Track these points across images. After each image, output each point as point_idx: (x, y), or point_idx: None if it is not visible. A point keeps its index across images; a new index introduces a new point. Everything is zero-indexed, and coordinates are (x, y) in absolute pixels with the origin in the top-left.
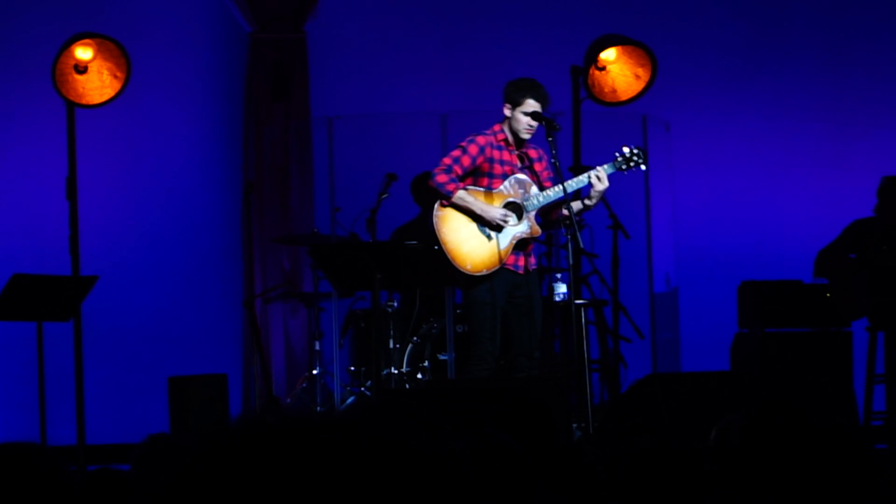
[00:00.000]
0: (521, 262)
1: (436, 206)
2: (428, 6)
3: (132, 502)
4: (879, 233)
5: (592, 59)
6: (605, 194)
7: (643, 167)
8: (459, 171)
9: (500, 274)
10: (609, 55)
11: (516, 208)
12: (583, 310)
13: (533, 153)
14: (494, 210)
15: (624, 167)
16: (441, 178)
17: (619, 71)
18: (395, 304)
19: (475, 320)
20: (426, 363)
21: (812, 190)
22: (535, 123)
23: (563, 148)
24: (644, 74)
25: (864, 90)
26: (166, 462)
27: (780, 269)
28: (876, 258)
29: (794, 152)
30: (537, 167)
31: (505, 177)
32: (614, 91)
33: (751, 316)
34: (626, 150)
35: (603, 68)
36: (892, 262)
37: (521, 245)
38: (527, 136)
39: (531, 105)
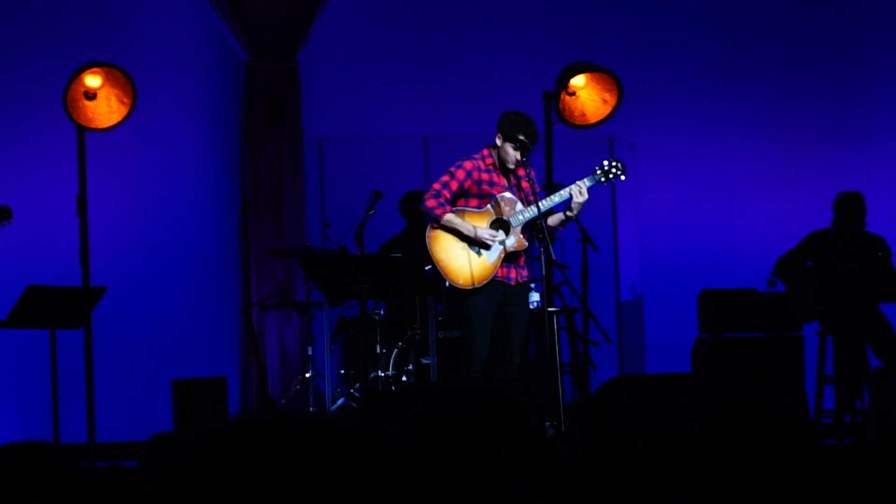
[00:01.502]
0: (513, 274)
1: (427, 228)
2: (411, 36)
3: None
4: (833, 243)
5: (563, 84)
6: (580, 211)
7: (622, 177)
8: (448, 195)
9: (492, 285)
10: (578, 81)
11: (503, 224)
12: (555, 317)
13: (521, 171)
14: (481, 230)
15: (603, 179)
16: (430, 202)
17: (587, 96)
18: (382, 311)
19: (467, 327)
20: (411, 367)
21: (766, 205)
22: (521, 158)
23: (537, 167)
24: (611, 99)
25: (815, 112)
26: (168, 458)
27: (738, 279)
28: (825, 267)
29: (750, 170)
30: (525, 185)
31: (492, 197)
32: (583, 114)
33: (710, 322)
34: (605, 163)
35: (573, 93)
36: (840, 271)
37: (510, 258)
38: (511, 167)
39: (521, 143)
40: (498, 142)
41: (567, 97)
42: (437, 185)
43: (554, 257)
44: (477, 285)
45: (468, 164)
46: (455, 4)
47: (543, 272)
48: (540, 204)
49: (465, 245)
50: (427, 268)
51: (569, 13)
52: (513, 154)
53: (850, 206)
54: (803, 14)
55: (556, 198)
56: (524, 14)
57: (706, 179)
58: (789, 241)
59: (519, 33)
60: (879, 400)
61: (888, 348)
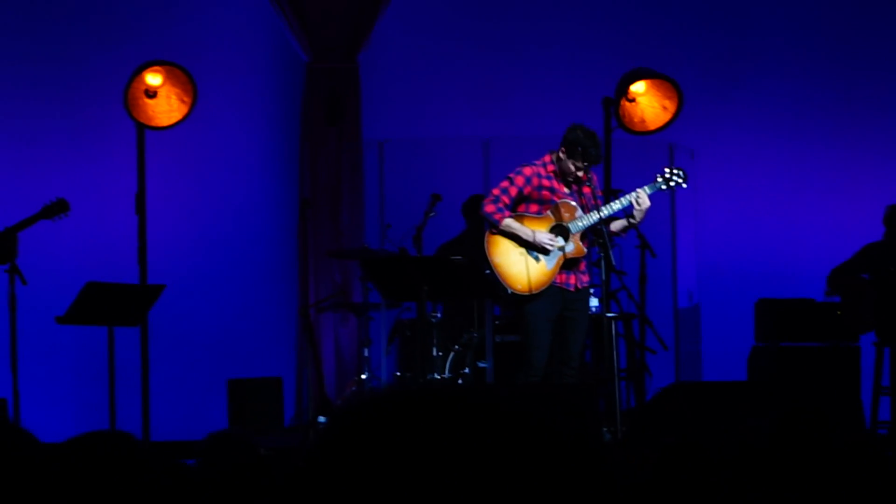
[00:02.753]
0: (573, 280)
1: (486, 233)
2: (472, 39)
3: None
4: (887, 255)
5: (623, 91)
6: (643, 218)
7: (684, 185)
8: (507, 201)
9: (552, 290)
10: (639, 87)
11: (563, 231)
12: (612, 323)
13: (583, 176)
14: (540, 235)
15: (664, 187)
16: (489, 208)
17: (647, 102)
18: (439, 314)
19: (527, 331)
20: (467, 370)
21: (825, 215)
22: (580, 173)
23: (596, 173)
24: (671, 106)
25: (875, 121)
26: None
27: (795, 288)
28: (883, 279)
29: (809, 179)
30: (586, 190)
31: (553, 202)
32: (643, 121)
33: (767, 331)
34: (666, 171)
35: (633, 100)
36: None
37: (569, 264)
38: (571, 180)
39: (582, 162)
40: (561, 154)
41: (627, 103)
42: (496, 191)
43: (613, 263)
44: (534, 291)
45: (528, 170)
46: (517, 7)
47: (602, 277)
48: (600, 211)
49: (523, 251)
50: (486, 272)
51: (631, 18)
52: (573, 170)
53: None
54: (863, 25)
55: (617, 205)
56: (586, 18)
57: (766, 188)
58: (848, 250)
59: (580, 38)
60: None
61: None
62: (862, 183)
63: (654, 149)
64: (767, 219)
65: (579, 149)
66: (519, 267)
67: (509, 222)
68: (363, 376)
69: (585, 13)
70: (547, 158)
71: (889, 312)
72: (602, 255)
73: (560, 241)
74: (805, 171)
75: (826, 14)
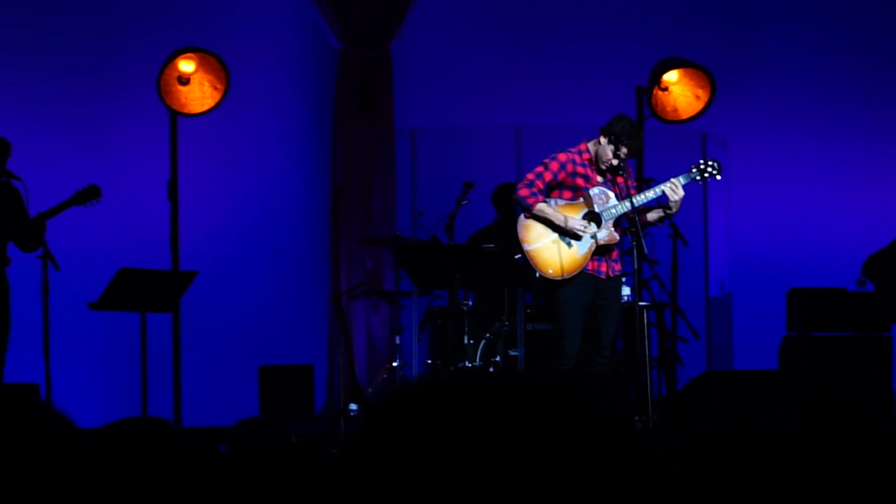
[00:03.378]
0: (604, 268)
1: (520, 217)
2: (505, 27)
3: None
4: None
5: (656, 80)
6: (679, 208)
7: (718, 177)
8: (541, 186)
9: (583, 278)
10: (671, 77)
11: (595, 217)
12: (644, 312)
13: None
14: (573, 220)
15: (698, 178)
16: (523, 192)
17: (680, 92)
18: (470, 302)
19: (559, 319)
20: (498, 358)
21: (856, 204)
22: (616, 162)
23: (629, 162)
24: (704, 95)
25: None
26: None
27: (827, 278)
28: None
29: (841, 169)
30: (619, 179)
31: (586, 189)
32: (675, 110)
33: (799, 320)
34: (701, 162)
35: (665, 89)
36: None
37: (601, 251)
38: (605, 168)
39: (623, 151)
40: (602, 140)
41: (659, 92)
42: (530, 176)
43: (645, 252)
44: (567, 276)
45: (562, 157)
46: None
47: (635, 266)
48: (632, 199)
49: (556, 236)
50: (517, 256)
51: (664, 7)
52: (610, 157)
53: None
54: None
55: (650, 193)
56: (618, 7)
57: (798, 178)
58: (880, 240)
59: (613, 26)
60: None
61: None
62: (893, 172)
63: (687, 138)
64: (799, 208)
65: (623, 138)
66: (551, 251)
67: (542, 207)
68: (394, 364)
69: (618, 2)
70: (583, 146)
71: None
72: (634, 243)
73: (593, 228)
74: (837, 160)
75: (859, 2)
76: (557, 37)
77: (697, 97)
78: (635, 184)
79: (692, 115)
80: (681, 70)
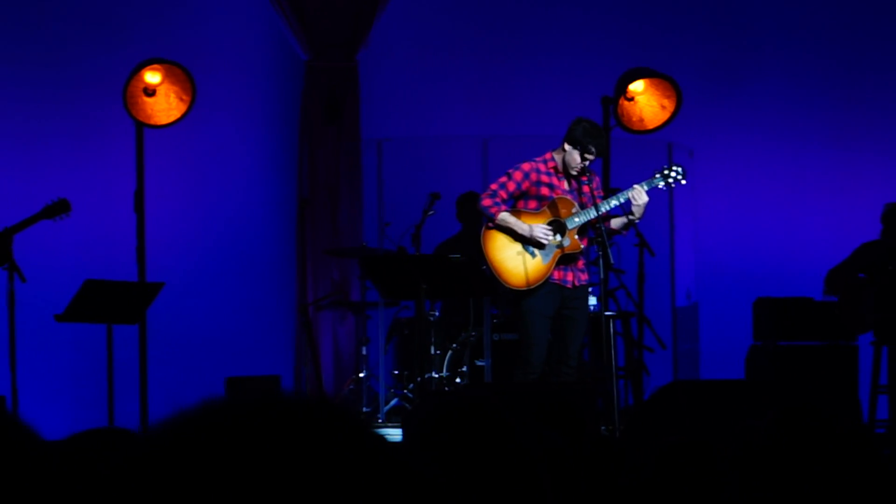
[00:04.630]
0: (570, 277)
1: (483, 228)
2: (471, 37)
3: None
4: (885, 254)
5: (622, 90)
6: (643, 215)
7: (683, 182)
8: (504, 195)
9: (549, 287)
10: (637, 87)
11: (560, 226)
12: (611, 321)
13: (584, 176)
14: (537, 229)
15: (662, 184)
16: (486, 202)
17: (646, 101)
18: (437, 313)
19: (524, 329)
20: (465, 368)
21: (823, 213)
22: (586, 164)
23: (596, 171)
24: (669, 105)
25: (873, 121)
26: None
27: (793, 287)
28: (881, 278)
29: (807, 178)
30: (585, 189)
31: (551, 199)
32: (641, 120)
33: (765, 329)
34: (665, 168)
35: (631, 99)
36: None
37: (567, 260)
38: (574, 173)
39: (590, 152)
40: (566, 147)
41: (626, 102)
42: (493, 186)
43: (612, 261)
44: (532, 286)
45: (526, 166)
46: (516, 7)
47: (601, 276)
48: (597, 207)
49: (520, 247)
50: (483, 267)
51: (631, 18)
52: (578, 163)
53: None
54: (863, 24)
55: (614, 201)
56: (585, 17)
57: (764, 187)
58: (846, 249)
59: (579, 37)
60: None
61: None
62: (860, 182)
63: (653, 148)
64: (766, 218)
65: (587, 139)
66: (515, 262)
67: (505, 216)
68: (361, 374)
69: (584, 13)
70: (548, 155)
71: (887, 311)
72: (601, 253)
73: (557, 237)
74: (803, 170)
75: (825, 14)
76: (524, 47)
77: (663, 107)
78: (602, 193)
79: (658, 125)
80: (646, 80)
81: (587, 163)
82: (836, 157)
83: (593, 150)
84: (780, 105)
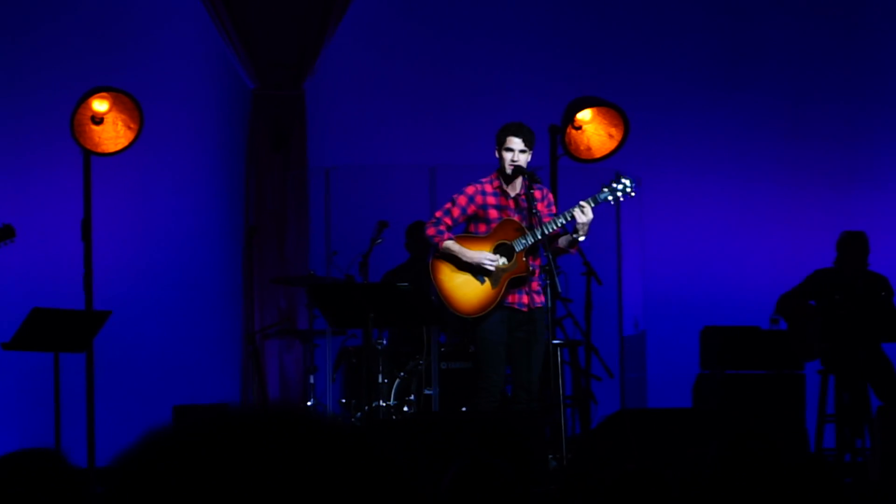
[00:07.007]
0: (525, 300)
1: (430, 257)
2: (419, 67)
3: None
4: (836, 282)
5: (569, 118)
6: (587, 232)
7: (632, 195)
8: (449, 222)
9: (502, 312)
10: (585, 115)
11: (507, 249)
12: (558, 350)
13: (537, 194)
14: (480, 255)
15: (610, 197)
16: (430, 231)
17: (593, 130)
18: (385, 341)
19: (480, 355)
20: (412, 397)
21: (771, 243)
22: (516, 159)
23: (546, 187)
24: (617, 134)
25: (820, 153)
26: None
27: (740, 316)
28: (829, 306)
29: (754, 210)
30: (540, 207)
31: (500, 220)
32: (589, 149)
33: (712, 358)
34: (613, 181)
35: (579, 127)
36: (843, 311)
37: (517, 283)
38: (509, 172)
39: (512, 142)
40: (497, 155)
41: (573, 131)
42: (438, 213)
43: (559, 290)
44: (481, 314)
45: (470, 190)
46: (463, 37)
47: (548, 304)
48: (544, 226)
49: (468, 274)
50: (431, 297)
51: (577, 46)
52: (507, 158)
53: (853, 245)
54: (810, 55)
55: (560, 220)
56: (531, 46)
57: (712, 217)
58: (793, 279)
59: (527, 65)
60: (883, 439)
61: (890, 388)
62: (806, 212)
63: (601, 176)
64: (713, 247)
65: (505, 132)
66: (465, 290)
67: (449, 244)
68: (308, 403)
69: (531, 42)
70: (493, 175)
71: (834, 340)
72: (548, 281)
73: (501, 260)
74: (750, 199)
75: (771, 44)
76: (472, 77)
77: (611, 136)
78: (555, 210)
79: (606, 154)
80: (594, 109)
81: (515, 154)
82: (783, 188)
83: (514, 138)
84: (728, 135)
